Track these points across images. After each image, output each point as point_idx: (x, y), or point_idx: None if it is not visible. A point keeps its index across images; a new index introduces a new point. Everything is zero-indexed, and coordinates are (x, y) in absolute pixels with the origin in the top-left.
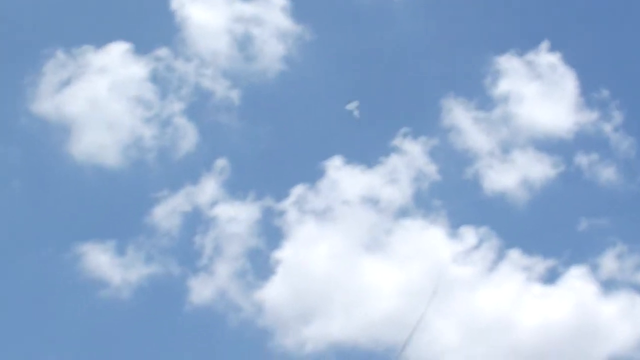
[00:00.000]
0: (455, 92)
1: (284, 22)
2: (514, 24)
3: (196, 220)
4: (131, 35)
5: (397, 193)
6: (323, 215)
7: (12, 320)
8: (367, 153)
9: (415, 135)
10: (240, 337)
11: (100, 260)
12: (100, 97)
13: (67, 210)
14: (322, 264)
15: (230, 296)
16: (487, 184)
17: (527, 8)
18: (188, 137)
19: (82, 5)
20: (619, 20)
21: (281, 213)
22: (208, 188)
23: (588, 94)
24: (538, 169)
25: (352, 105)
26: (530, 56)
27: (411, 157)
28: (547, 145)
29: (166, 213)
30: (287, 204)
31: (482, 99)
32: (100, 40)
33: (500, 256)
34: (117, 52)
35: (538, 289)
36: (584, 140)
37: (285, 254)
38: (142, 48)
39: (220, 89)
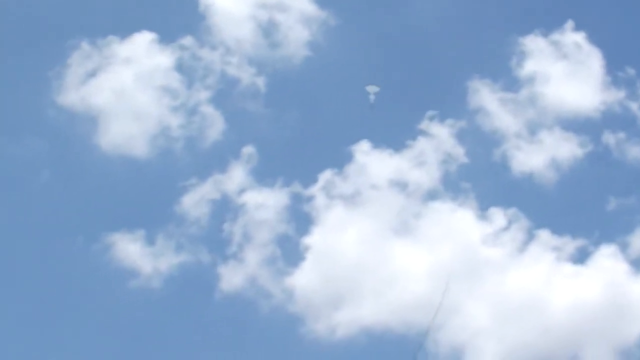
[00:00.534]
0: (481, 74)
1: (308, 8)
2: (538, 4)
3: (225, 208)
4: (156, 25)
5: (425, 176)
6: (351, 200)
7: (44, 311)
8: (394, 137)
9: (442, 118)
10: (271, 323)
11: (130, 250)
12: (127, 87)
13: (96, 201)
14: (351, 248)
15: (260, 283)
16: (515, 165)
17: None
18: (215, 125)
19: None
20: None
21: (309, 199)
22: (236, 176)
23: (614, 73)
24: (566, 149)
25: (371, 89)
26: (555, 36)
27: (438, 140)
28: (574, 125)
29: (195, 202)
30: (315, 189)
31: (508, 80)
32: (125, 31)
33: (529, 237)
34: (142, 42)
35: (568, 268)
36: (611, 119)
37: (314, 239)
38: (167, 37)
39: (246, 76)
